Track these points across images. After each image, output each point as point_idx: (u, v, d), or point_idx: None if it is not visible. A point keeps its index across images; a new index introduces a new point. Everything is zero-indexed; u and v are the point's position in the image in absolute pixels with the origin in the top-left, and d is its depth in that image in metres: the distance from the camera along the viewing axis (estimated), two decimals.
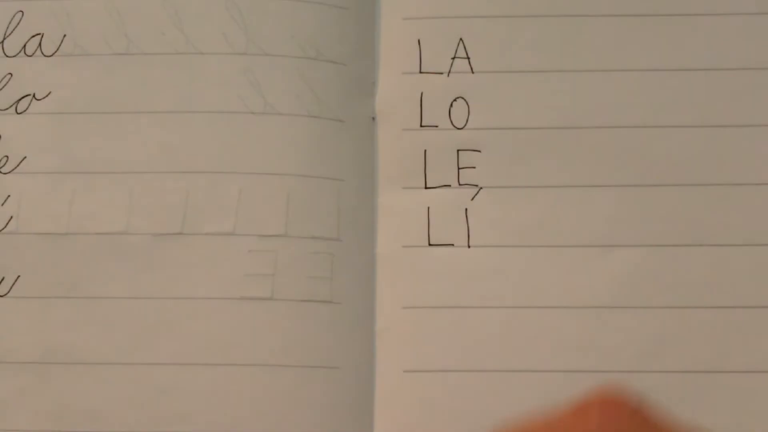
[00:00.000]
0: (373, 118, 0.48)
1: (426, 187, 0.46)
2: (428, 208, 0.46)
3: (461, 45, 0.48)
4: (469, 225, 0.45)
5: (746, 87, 0.47)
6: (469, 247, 0.45)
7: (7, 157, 0.47)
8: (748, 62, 0.47)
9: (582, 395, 0.29)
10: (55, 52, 0.48)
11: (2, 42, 0.49)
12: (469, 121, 0.47)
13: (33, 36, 0.49)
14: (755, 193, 0.45)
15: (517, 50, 0.48)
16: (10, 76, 0.48)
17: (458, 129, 0.47)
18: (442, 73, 0.48)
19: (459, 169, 0.46)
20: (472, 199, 0.46)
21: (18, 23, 0.49)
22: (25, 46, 0.49)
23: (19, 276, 0.45)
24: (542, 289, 0.44)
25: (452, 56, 0.48)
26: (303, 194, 0.46)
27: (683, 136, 0.46)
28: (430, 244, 0.45)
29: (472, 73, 0.48)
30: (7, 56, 0.49)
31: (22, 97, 0.48)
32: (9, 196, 0.46)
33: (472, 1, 0.48)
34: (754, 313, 0.44)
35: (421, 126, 0.47)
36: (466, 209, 0.46)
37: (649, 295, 0.44)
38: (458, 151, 0.46)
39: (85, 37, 0.49)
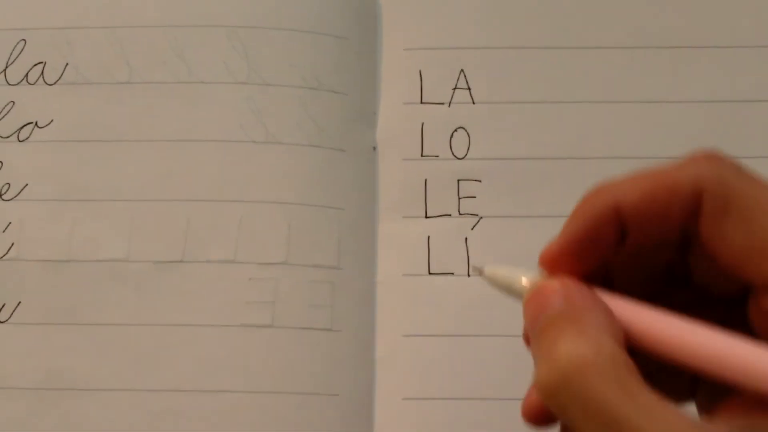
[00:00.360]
0: (374, 148, 0.48)
1: (426, 217, 0.46)
2: (428, 237, 0.46)
3: (462, 76, 0.48)
4: (469, 254, 0.46)
5: (747, 119, 0.47)
6: (469, 276, 0.45)
7: (8, 184, 0.47)
8: (748, 94, 0.48)
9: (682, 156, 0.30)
10: (57, 80, 0.49)
11: (4, 70, 0.49)
12: (469, 151, 0.47)
13: (35, 64, 0.49)
14: None
15: (517, 81, 0.48)
16: (12, 104, 0.48)
17: (459, 159, 0.47)
18: (443, 104, 0.48)
19: (459, 198, 0.47)
20: (473, 228, 0.46)
21: (20, 52, 0.49)
22: (27, 74, 0.49)
23: (19, 302, 0.45)
24: None
25: (453, 87, 0.48)
26: (304, 223, 0.46)
27: None
28: (430, 273, 0.45)
29: (473, 103, 0.48)
30: (9, 84, 0.49)
31: (24, 125, 0.48)
32: (10, 223, 0.46)
33: (473, 33, 0.49)
34: None
35: (421, 156, 0.47)
36: (466, 238, 0.46)
37: None
38: (459, 180, 0.47)
39: (87, 66, 0.49)
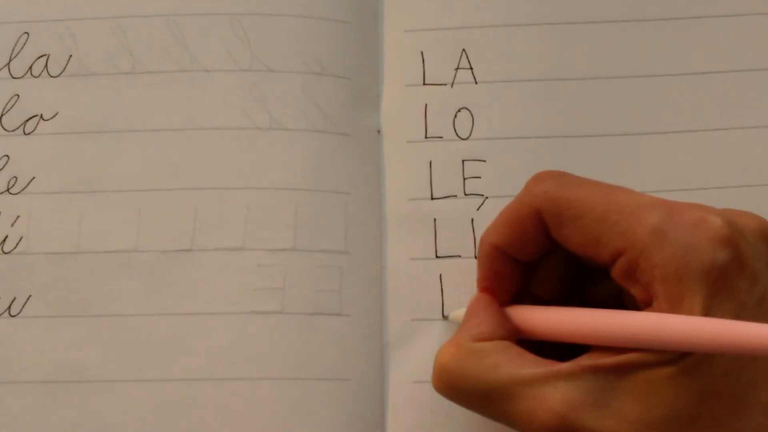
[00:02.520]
0: (378, 131, 0.48)
1: (432, 198, 0.46)
2: (435, 219, 0.46)
3: (464, 56, 0.48)
4: (476, 235, 0.46)
5: (750, 88, 0.47)
6: (476, 258, 0.45)
7: (15, 177, 0.47)
8: (752, 64, 0.47)
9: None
10: (62, 72, 0.49)
11: (8, 64, 0.49)
12: (473, 132, 0.47)
13: (39, 57, 0.49)
14: (761, 194, 0.45)
15: (520, 60, 0.48)
16: (17, 97, 0.49)
17: (463, 139, 0.47)
18: (445, 85, 0.48)
19: (464, 179, 0.46)
20: (478, 209, 0.46)
21: (24, 45, 0.49)
22: (31, 67, 0.49)
23: (30, 296, 0.45)
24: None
25: (455, 67, 0.48)
26: (310, 208, 0.46)
27: (686, 141, 0.46)
28: (437, 256, 0.45)
29: (476, 83, 0.48)
30: (13, 78, 0.49)
31: (30, 118, 0.48)
32: (18, 216, 0.46)
33: (474, 12, 0.49)
34: None
35: (426, 137, 0.47)
36: (473, 219, 0.46)
37: None
38: (463, 161, 0.47)
39: (91, 57, 0.49)
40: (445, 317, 0.44)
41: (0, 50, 0.50)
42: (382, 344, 0.45)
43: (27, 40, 0.49)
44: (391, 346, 0.45)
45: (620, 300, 0.39)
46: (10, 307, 0.45)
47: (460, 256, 0.45)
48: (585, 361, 0.35)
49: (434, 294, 0.45)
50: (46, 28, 0.50)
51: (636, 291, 0.35)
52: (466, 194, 0.46)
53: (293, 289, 0.45)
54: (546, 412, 0.34)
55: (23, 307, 0.45)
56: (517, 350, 0.37)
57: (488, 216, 0.45)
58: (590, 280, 0.40)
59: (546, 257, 0.40)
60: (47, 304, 0.45)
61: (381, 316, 0.45)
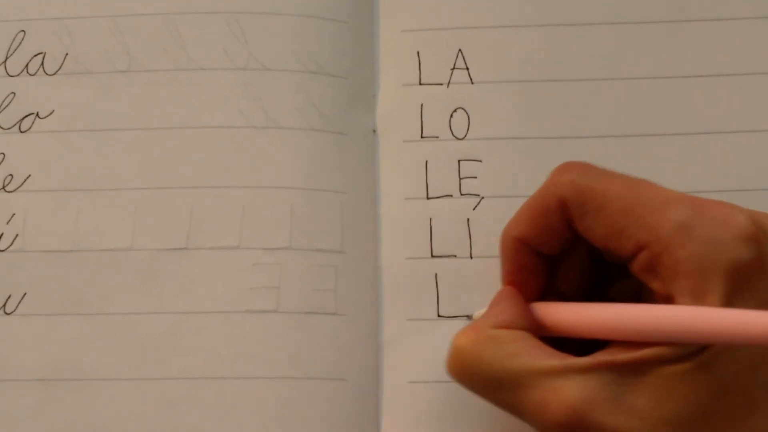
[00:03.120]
0: (374, 131, 0.48)
1: (428, 198, 0.46)
2: (430, 218, 0.46)
3: (460, 56, 0.48)
4: (471, 235, 0.46)
5: (746, 92, 0.47)
6: (471, 258, 0.45)
7: (11, 175, 0.47)
8: (748, 67, 0.47)
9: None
10: (58, 70, 0.49)
11: (5, 62, 0.49)
12: (469, 132, 0.47)
13: (35, 55, 0.49)
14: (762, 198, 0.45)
15: (516, 60, 0.48)
16: (13, 95, 0.48)
17: (459, 139, 0.47)
18: (441, 84, 0.48)
19: (460, 179, 0.46)
20: (474, 208, 0.46)
21: (20, 43, 0.49)
22: (27, 65, 0.49)
23: (25, 293, 0.45)
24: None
25: (451, 67, 0.48)
26: (306, 207, 0.46)
27: (683, 143, 0.46)
28: (432, 256, 0.45)
29: (472, 83, 0.48)
30: (9, 76, 0.49)
31: (26, 116, 0.48)
32: (14, 214, 0.46)
33: (471, 13, 0.49)
34: None
35: (421, 137, 0.47)
36: (468, 219, 0.46)
37: None
38: (459, 161, 0.47)
39: (88, 56, 0.49)
40: (468, 317, 0.44)
41: None
42: (377, 344, 0.45)
43: (24, 38, 0.49)
44: (386, 345, 0.45)
45: (640, 299, 0.39)
46: (5, 304, 0.45)
47: (455, 256, 0.45)
48: (602, 356, 0.35)
49: (430, 294, 0.45)
50: (43, 26, 0.50)
51: (656, 285, 0.35)
52: (461, 194, 0.46)
53: (289, 289, 0.45)
54: (558, 405, 0.34)
55: (18, 304, 0.45)
56: (535, 341, 0.37)
57: (484, 216, 0.46)
58: (611, 278, 0.40)
59: (569, 253, 0.40)
60: (43, 302, 0.45)
61: (376, 316, 0.45)
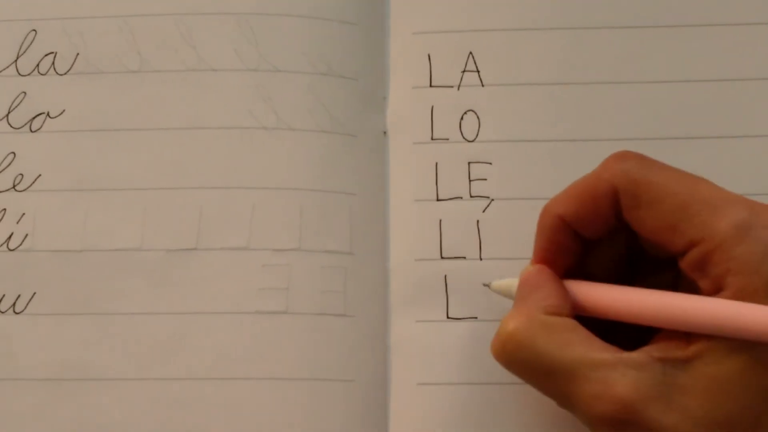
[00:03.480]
0: (385, 132, 0.48)
1: (438, 200, 0.46)
2: (440, 220, 0.46)
3: (471, 58, 0.48)
4: (481, 237, 0.46)
5: (755, 97, 0.47)
6: (481, 259, 0.45)
7: (21, 175, 0.47)
8: (756, 72, 0.47)
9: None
10: (69, 70, 0.49)
11: (16, 61, 0.49)
12: (479, 134, 0.47)
13: (46, 55, 0.49)
14: None
15: (526, 63, 0.48)
16: (24, 94, 0.49)
17: (469, 141, 0.47)
18: (452, 87, 0.48)
19: (470, 181, 0.46)
20: (484, 211, 0.46)
21: (31, 42, 0.50)
22: (38, 65, 0.49)
23: (34, 293, 0.45)
24: None
25: (462, 70, 0.48)
26: (316, 208, 0.46)
27: (694, 148, 0.46)
28: (442, 257, 0.45)
29: (482, 86, 0.48)
30: (20, 75, 0.49)
31: (36, 116, 0.48)
32: (24, 214, 0.47)
33: (481, 15, 0.49)
34: None
35: (432, 139, 0.47)
36: (478, 221, 0.46)
37: None
38: (469, 163, 0.47)
39: (98, 56, 0.49)
40: (486, 285, 0.43)
41: (7, 48, 0.50)
42: (386, 345, 0.45)
43: (35, 37, 0.50)
44: (395, 347, 0.45)
45: None
46: (14, 304, 0.45)
47: (465, 258, 0.45)
48: (655, 352, 0.35)
49: (439, 295, 0.45)
50: (54, 26, 0.50)
51: (704, 283, 0.35)
52: (471, 196, 0.46)
53: (298, 290, 0.45)
54: (611, 398, 0.34)
55: (27, 304, 0.45)
56: (586, 332, 0.36)
57: (494, 218, 0.46)
58: (644, 270, 0.40)
59: (606, 240, 0.40)
60: (52, 302, 0.45)
61: (385, 317, 0.45)
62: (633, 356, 0.35)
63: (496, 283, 0.42)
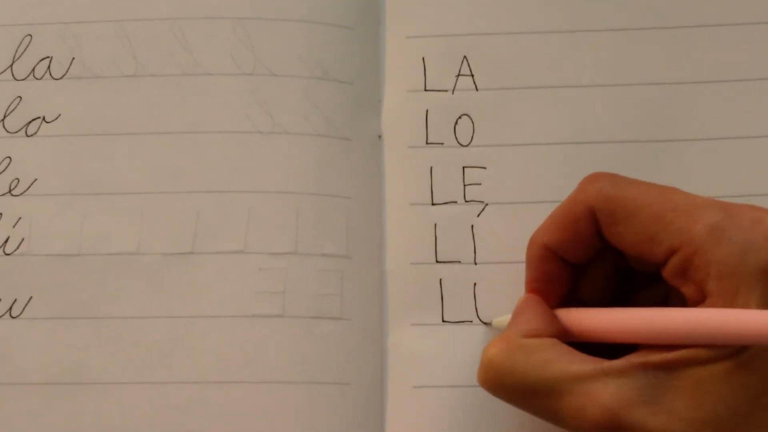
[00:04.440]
0: (380, 136, 0.48)
1: (433, 204, 0.46)
2: (435, 224, 0.46)
3: (465, 62, 0.48)
4: (476, 241, 0.46)
5: (750, 98, 0.47)
6: (475, 263, 0.45)
7: (17, 179, 0.47)
8: (754, 73, 0.48)
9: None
10: (64, 74, 0.49)
11: (11, 66, 0.49)
12: (474, 138, 0.47)
13: (42, 59, 0.49)
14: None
15: (520, 67, 0.48)
16: (19, 99, 0.49)
17: (463, 146, 0.47)
18: (446, 91, 0.48)
19: (465, 185, 0.47)
20: (479, 215, 0.46)
21: (27, 47, 0.50)
22: (34, 69, 0.49)
23: (31, 297, 0.45)
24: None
25: (456, 74, 0.48)
26: (312, 212, 0.46)
27: (690, 150, 0.47)
28: (437, 261, 0.46)
29: (477, 90, 0.48)
30: (16, 80, 0.49)
31: (32, 120, 0.48)
32: (20, 218, 0.47)
33: (476, 19, 0.49)
34: None
35: (426, 143, 0.47)
36: (473, 225, 0.46)
37: None
38: (464, 167, 0.47)
39: (94, 60, 0.49)
40: (487, 323, 0.45)
41: (3, 52, 0.50)
42: (382, 348, 0.45)
43: (30, 42, 0.50)
44: (391, 350, 0.45)
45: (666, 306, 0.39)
46: (11, 308, 0.45)
47: (460, 262, 0.45)
48: (636, 358, 0.35)
49: (434, 299, 0.45)
50: (50, 31, 0.50)
51: (687, 290, 0.36)
52: (466, 200, 0.46)
53: (294, 293, 0.45)
54: (596, 408, 0.34)
55: (24, 308, 0.45)
56: (566, 348, 0.37)
57: (488, 222, 0.46)
58: (636, 287, 0.41)
59: (593, 263, 0.41)
60: (48, 306, 0.45)
61: (381, 321, 0.45)
62: (614, 364, 0.35)
63: (498, 321, 0.44)
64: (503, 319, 0.43)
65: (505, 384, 0.37)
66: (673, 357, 0.34)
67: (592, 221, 0.38)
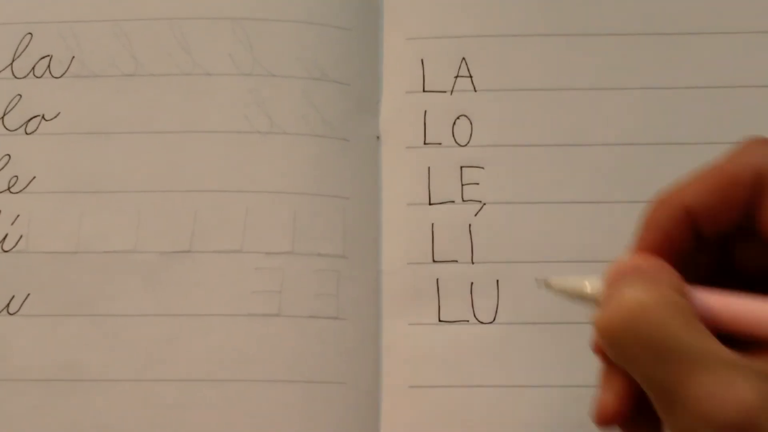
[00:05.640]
0: (378, 137, 0.48)
1: (430, 204, 0.47)
2: (432, 224, 0.46)
3: (464, 64, 0.48)
4: (473, 241, 0.46)
5: (748, 104, 0.47)
6: (472, 263, 0.46)
7: (16, 177, 0.47)
8: (750, 80, 0.48)
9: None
10: (64, 73, 0.49)
11: (11, 64, 0.49)
12: (472, 139, 0.47)
13: (42, 58, 0.49)
14: None
15: (518, 68, 0.48)
16: (19, 97, 0.49)
17: (461, 146, 0.47)
18: (445, 92, 0.48)
19: (462, 185, 0.47)
20: (476, 214, 0.46)
21: (27, 45, 0.50)
22: (34, 67, 0.49)
23: (29, 294, 0.45)
24: (545, 304, 0.44)
25: (455, 75, 0.48)
26: (309, 212, 0.46)
27: (681, 153, 0.47)
28: (434, 261, 0.46)
29: (475, 91, 0.48)
30: (16, 78, 0.49)
31: (32, 118, 0.48)
32: (19, 215, 0.47)
33: (474, 21, 0.49)
34: None
35: (424, 144, 0.48)
36: (470, 225, 0.46)
37: None
38: (462, 167, 0.47)
39: (94, 59, 0.49)
40: (542, 281, 0.34)
41: (3, 50, 0.50)
42: (378, 348, 0.45)
43: (30, 40, 0.50)
44: (387, 350, 0.45)
45: None
46: (8, 305, 0.45)
47: (457, 262, 0.46)
48: None
49: (431, 299, 0.45)
50: (50, 30, 0.50)
51: None
52: (464, 200, 0.46)
53: (291, 293, 0.45)
54: (734, 401, 0.28)
55: (22, 305, 0.45)
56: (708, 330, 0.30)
57: (486, 222, 0.46)
58: (732, 287, 0.33)
59: (701, 250, 0.33)
60: (46, 303, 0.45)
61: (377, 320, 0.45)
62: (758, 364, 0.29)
63: (559, 282, 0.34)
64: (574, 280, 0.33)
65: (641, 336, 0.29)
66: None
67: (753, 191, 0.31)
